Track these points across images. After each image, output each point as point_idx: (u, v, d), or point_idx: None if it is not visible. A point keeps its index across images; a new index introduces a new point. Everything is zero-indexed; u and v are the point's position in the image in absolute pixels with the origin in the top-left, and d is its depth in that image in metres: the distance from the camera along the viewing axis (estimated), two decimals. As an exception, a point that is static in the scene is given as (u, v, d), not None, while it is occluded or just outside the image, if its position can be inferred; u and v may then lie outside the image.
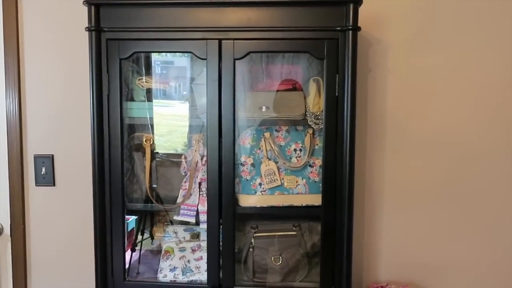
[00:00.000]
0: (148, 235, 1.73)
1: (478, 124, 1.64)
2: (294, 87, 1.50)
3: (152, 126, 1.53)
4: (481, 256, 1.71)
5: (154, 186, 1.59)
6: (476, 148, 1.65)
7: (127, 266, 1.48)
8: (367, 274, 1.75)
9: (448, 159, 1.67)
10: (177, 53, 1.63)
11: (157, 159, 1.59)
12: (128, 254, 1.58)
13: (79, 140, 1.73)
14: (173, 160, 1.62)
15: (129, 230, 1.64)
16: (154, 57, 1.59)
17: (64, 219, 1.79)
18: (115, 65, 1.38)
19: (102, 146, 1.39)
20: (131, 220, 1.68)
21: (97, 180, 1.39)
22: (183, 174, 1.50)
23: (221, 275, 1.42)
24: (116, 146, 1.40)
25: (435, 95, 1.64)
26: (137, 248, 1.66)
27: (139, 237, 1.68)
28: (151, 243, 1.73)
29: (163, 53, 1.63)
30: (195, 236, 1.56)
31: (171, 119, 1.63)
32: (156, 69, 1.61)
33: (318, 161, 1.44)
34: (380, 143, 1.68)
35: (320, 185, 1.42)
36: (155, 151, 1.58)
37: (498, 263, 1.71)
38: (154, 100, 1.55)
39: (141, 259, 1.65)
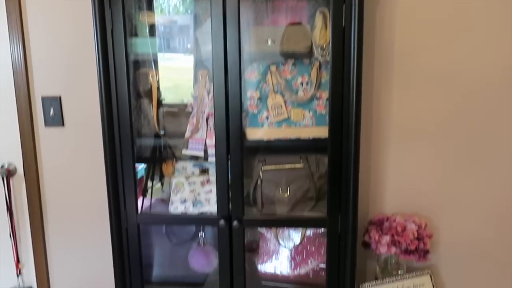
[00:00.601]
0: (158, 182, 1.76)
1: (488, 56, 1.62)
2: (300, 20, 1.48)
3: (155, 62, 1.52)
4: (485, 189, 1.74)
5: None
6: (485, 81, 1.64)
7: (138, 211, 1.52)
8: (373, 206, 1.79)
9: (456, 91, 1.66)
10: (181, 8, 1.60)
11: (164, 108, 1.60)
12: (139, 201, 1.62)
13: (86, 81, 1.73)
14: (180, 108, 1.63)
15: (138, 177, 1.66)
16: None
17: (75, 158, 1.83)
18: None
19: (109, 83, 1.40)
20: (140, 168, 1.71)
21: (105, 116, 1.41)
22: (190, 110, 1.51)
23: (230, 206, 1.47)
24: (122, 83, 1.41)
25: (444, 28, 1.61)
26: (147, 195, 1.69)
27: (149, 184, 1.72)
28: (161, 190, 1.76)
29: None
30: (204, 171, 1.60)
31: (176, 73, 1.63)
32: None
33: (325, 94, 1.44)
34: (387, 76, 1.67)
35: (327, 117, 1.43)
36: (161, 99, 1.59)
37: (503, 195, 1.74)
38: (158, 53, 1.53)
39: (152, 208, 1.67)
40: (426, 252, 1.67)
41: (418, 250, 1.66)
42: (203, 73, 1.48)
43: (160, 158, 1.71)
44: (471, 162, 1.72)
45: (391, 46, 1.64)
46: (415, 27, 1.62)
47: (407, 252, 1.66)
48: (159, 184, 1.74)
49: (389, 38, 1.63)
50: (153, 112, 1.54)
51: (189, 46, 1.58)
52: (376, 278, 1.76)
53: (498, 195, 1.74)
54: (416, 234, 1.64)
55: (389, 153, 1.75)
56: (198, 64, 1.56)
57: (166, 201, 1.68)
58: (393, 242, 1.64)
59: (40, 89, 1.78)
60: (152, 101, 1.55)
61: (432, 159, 1.73)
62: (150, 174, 1.71)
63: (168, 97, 1.62)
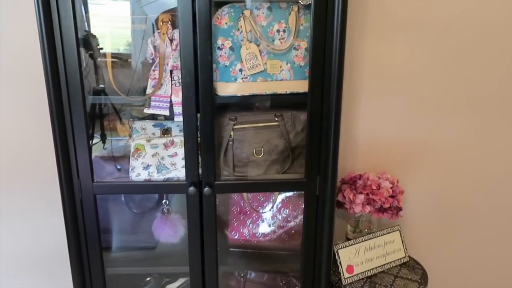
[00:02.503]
0: (99, 139, 1.55)
1: (461, 8, 1.55)
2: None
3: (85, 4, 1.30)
4: (453, 143, 1.72)
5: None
6: (458, 32, 1.57)
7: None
8: (344, 164, 1.71)
9: (429, 43, 1.59)
10: None
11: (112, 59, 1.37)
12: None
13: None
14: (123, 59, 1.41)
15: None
16: None
17: (16, 125, 1.57)
18: None
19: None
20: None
21: (50, 74, 1.18)
22: (150, 61, 1.31)
23: (200, 171, 1.32)
24: (68, 27, 1.17)
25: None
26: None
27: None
28: (103, 147, 1.56)
29: None
30: (166, 132, 1.42)
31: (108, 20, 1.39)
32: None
33: (304, 43, 1.29)
34: (361, 25, 1.56)
35: (306, 70, 1.30)
36: (98, 47, 1.36)
37: (470, 150, 1.73)
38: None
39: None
40: (399, 209, 1.64)
41: (391, 207, 1.62)
42: (165, 18, 1.27)
43: (101, 113, 1.49)
44: (441, 116, 1.68)
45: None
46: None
47: (381, 210, 1.62)
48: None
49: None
50: (109, 69, 1.32)
51: None
52: (348, 238, 1.71)
53: (466, 149, 1.73)
54: (390, 192, 1.59)
55: (360, 107, 1.66)
56: (136, 9, 1.35)
57: (106, 159, 1.51)
58: (368, 201, 1.58)
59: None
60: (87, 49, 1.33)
61: (401, 112, 1.67)
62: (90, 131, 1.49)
63: (106, 47, 1.39)
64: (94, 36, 1.37)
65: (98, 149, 1.51)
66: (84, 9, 1.31)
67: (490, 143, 1.71)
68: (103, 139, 1.52)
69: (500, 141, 1.72)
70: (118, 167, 1.49)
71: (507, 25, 1.57)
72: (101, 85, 1.39)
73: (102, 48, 1.38)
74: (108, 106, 1.50)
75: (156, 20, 1.30)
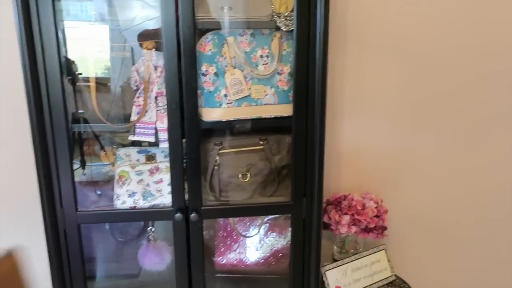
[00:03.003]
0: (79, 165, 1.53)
1: (439, 27, 1.60)
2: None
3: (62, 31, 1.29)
4: (437, 159, 1.75)
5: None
6: (437, 52, 1.62)
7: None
8: (328, 185, 1.72)
9: (407, 65, 1.63)
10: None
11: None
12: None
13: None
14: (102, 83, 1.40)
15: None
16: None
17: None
18: None
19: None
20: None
21: (33, 103, 1.16)
22: (135, 88, 1.31)
23: (186, 196, 1.31)
24: (52, 56, 1.17)
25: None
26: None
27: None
28: (82, 173, 1.54)
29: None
30: (151, 158, 1.41)
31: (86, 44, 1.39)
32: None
33: (287, 68, 1.31)
34: (341, 48, 1.59)
35: (290, 94, 1.32)
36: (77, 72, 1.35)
37: (453, 168, 1.76)
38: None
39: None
40: (384, 228, 1.65)
41: (376, 227, 1.63)
42: (149, 45, 1.27)
43: (80, 139, 1.47)
44: (421, 133, 1.72)
45: (345, 15, 1.55)
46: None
47: (366, 230, 1.63)
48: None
49: (343, 6, 1.54)
50: (93, 96, 1.31)
51: (93, 13, 1.35)
52: (334, 259, 1.71)
53: (447, 166, 1.77)
54: (375, 212, 1.60)
55: (342, 127, 1.69)
56: (115, 36, 1.35)
57: (85, 184, 1.48)
58: (353, 222, 1.59)
59: None
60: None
61: (384, 132, 1.70)
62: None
63: (86, 72, 1.38)
64: (73, 62, 1.35)
65: (77, 175, 1.49)
66: (62, 34, 1.30)
67: (470, 158, 1.76)
68: (83, 165, 1.50)
69: (480, 157, 1.76)
70: (98, 192, 1.47)
71: (483, 45, 1.63)
72: (80, 111, 1.37)
73: (81, 74, 1.38)
74: (87, 131, 1.48)
75: (140, 46, 1.30)
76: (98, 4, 1.33)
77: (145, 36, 1.29)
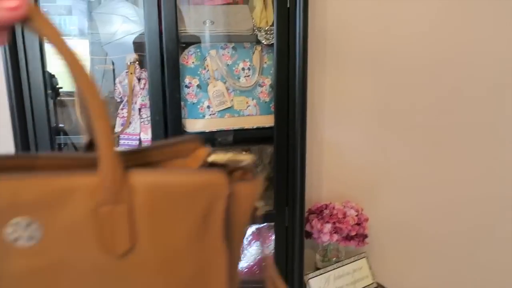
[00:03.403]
0: None
1: (416, 38, 1.66)
2: (236, 0, 1.37)
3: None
4: (415, 169, 1.80)
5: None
6: (415, 62, 1.69)
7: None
8: (310, 194, 1.75)
9: (385, 76, 1.69)
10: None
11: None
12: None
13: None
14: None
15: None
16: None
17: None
18: None
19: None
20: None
21: (16, 117, 1.17)
22: (118, 100, 1.33)
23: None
24: (36, 68, 1.18)
25: (375, 15, 1.61)
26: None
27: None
28: None
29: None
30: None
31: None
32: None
33: (268, 80, 1.35)
34: (321, 62, 1.64)
35: (271, 105, 1.35)
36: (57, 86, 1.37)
37: (433, 177, 1.82)
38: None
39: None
40: (365, 236, 1.69)
41: (357, 235, 1.66)
42: (132, 58, 1.30)
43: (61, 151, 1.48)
44: (400, 147, 1.77)
45: (323, 28, 1.60)
46: (346, 13, 1.60)
47: (347, 238, 1.66)
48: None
49: (322, 24, 1.60)
50: (77, 107, 1.32)
51: (73, 27, 1.38)
52: (317, 267, 1.74)
53: (425, 175, 1.82)
54: (356, 220, 1.64)
55: (323, 138, 1.73)
56: (95, 49, 1.37)
57: None
58: (335, 230, 1.62)
59: None
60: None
61: (363, 142, 1.75)
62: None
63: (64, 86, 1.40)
64: (53, 76, 1.37)
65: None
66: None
67: (450, 168, 1.81)
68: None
69: (460, 166, 1.82)
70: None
71: (463, 58, 1.70)
72: (61, 125, 1.38)
73: (61, 87, 1.39)
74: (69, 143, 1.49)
75: (123, 59, 1.33)
76: (78, 19, 1.36)
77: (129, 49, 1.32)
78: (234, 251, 0.42)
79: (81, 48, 1.40)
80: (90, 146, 0.40)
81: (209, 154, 0.41)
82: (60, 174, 0.36)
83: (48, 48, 1.31)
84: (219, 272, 0.41)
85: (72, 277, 0.37)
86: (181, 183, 0.38)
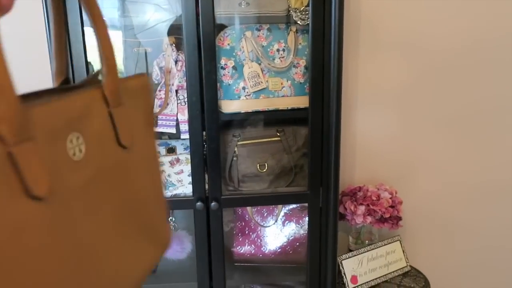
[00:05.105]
0: None
1: (452, 22, 1.63)
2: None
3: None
4: (450, 154, 1.78)
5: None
6: (449, 47, 1.65)
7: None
8: (343, 176, 1.76)
9: (420, 59, 1.66)
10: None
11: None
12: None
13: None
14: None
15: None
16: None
17: None
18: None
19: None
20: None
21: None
22: (156, 82, 1.36)
23: (207, 187, 1.36)
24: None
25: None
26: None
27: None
28: None
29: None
30: (171, 150, 1.46)
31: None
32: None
33: (303, 61, 1.35)
34: (355, 42, 1.63)
35: (306, 86, 1.36)
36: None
37: (466, 161, 1.79)
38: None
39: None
40: (399, 219, 1.68)
41: (391, 217, 1.66)
42: (170, 41, 1.33)
43: None
44: (435, 128, 1.74)
45: (358, 9, 1.58)
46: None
47: (381, 220, 1.66)
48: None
49: (357, 1, 1.58)
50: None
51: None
52: (350, 249, 1.75)
53: (460, 160, 1.79)
54: (390, 202, 1.63)
55: (356, 121, 1.72)
56: (128, 39, 1.40)
57: None
58: (368, 212, 1.62)
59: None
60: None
61: (396, 125, 1.73)
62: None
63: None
64: (89, 63, 1.41)
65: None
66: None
67: (483, 152, 1.78)
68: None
69: (493, 151, 1.78)
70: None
71: (496, 44, 1.65)
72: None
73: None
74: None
75: (161, 42, 1.36)
76: (111, 9, 1.39)
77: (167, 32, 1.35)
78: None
79: (115, 38, 1.43)
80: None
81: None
82: (80, 92, 0.44)
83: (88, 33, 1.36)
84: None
85: (107, 177, 0.44)
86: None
